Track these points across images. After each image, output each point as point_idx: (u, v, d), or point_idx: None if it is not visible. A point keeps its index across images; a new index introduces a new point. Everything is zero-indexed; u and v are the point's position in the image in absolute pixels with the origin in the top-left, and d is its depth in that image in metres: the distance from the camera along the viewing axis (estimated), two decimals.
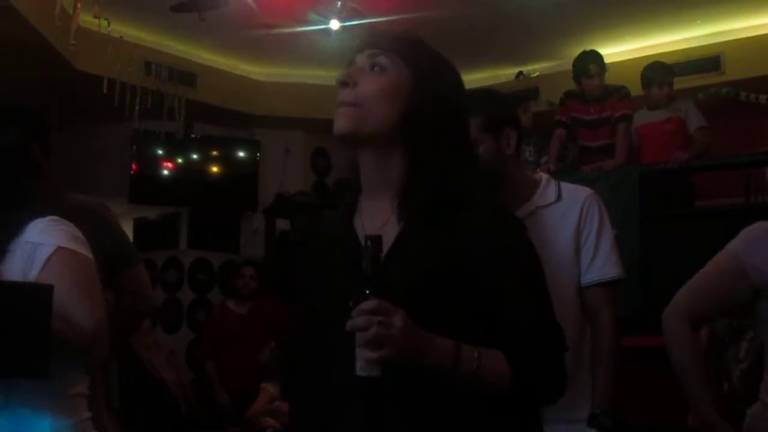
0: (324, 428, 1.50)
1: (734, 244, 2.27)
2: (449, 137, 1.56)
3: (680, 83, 6.05)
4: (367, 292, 1.36)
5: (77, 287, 1.83)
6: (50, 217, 1.92)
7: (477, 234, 1.49)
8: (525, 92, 7.30)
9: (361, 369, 1.35)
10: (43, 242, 1.86)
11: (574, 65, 5.89)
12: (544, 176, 2.56)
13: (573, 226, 2.46)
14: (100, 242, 2.09)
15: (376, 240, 1.39)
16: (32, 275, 1.83)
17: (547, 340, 1.51)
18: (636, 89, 5.86)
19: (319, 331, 1.53)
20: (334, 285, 1.52)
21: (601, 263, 2.45)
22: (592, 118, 5.76)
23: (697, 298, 2.29)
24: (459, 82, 1.64)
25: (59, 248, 1.86)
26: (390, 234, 1.50)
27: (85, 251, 1.92)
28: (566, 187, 2.53)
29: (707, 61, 6.89)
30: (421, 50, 1.61)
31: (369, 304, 1.34)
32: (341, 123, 1.53)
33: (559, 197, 2.48)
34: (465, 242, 1.48)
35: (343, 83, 1.55)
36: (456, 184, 1.55)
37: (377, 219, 1.54)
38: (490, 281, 1.47)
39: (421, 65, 1.57)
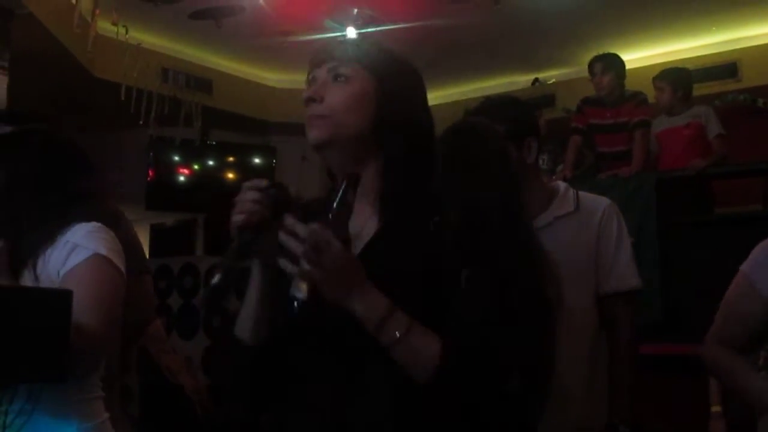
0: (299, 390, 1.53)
1: (745, 264, 2.26)
2: (418, 137, 1.59)
3: (697, 90, 6.03)
4: (331, 219, 1.41)
5: (97, 295, 1.85)
6: (95, 223, 1.95)
7: (447, 232, 1.49)
8: (541, 99, 7.29)
9: (293, 289, 1.39)
10: (83, 245, 1.89)
11: None
12: (562, 185, 2.56)
13: (591, 236, 2.45)
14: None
15: (352, 178, 1.44)
16: (62, 273, 1.87)
17: (487, 340, 1.42)
18: (652, 96, 5.84)
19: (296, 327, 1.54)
20: None
21: (619, 273, 2.46)
22: (609, 122, 5.74)
23: (723, 324, 2.27)
24: (420, 82, 1.66)
25: (96, 254, 1.89)
26: (367, 236, 1.54)
27: (119, 263, 1.95)
28: (585, 197, 2.52)
29: (724, 67, 6.87)
30: (380, 56, 1.63)
31: (314, 226, 1.37)
32: (316, 133, 1.57)
33: (577, 207, 2.47)
34: (440, 240, 1.48)
35: (310, 99, 1.58)
36: (429, 182, 1.56)
37: (357, 220, 1.54)
38: (457, 278, 1.46)
39: (382, 70, 1.59)
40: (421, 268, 1.46)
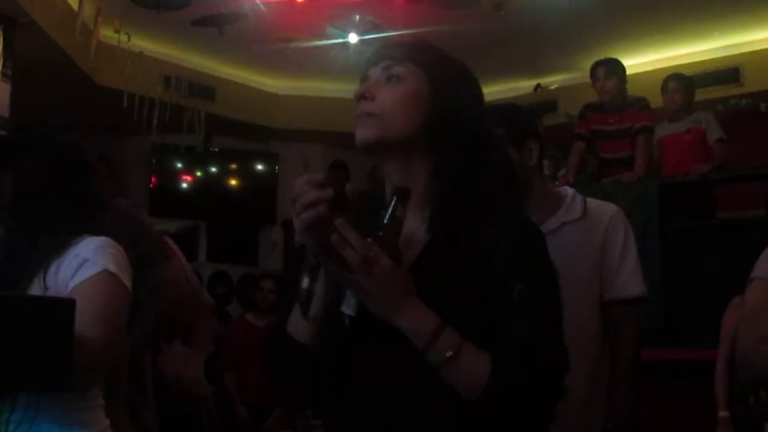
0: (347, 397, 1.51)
1: (759, 271, 2.24)
2: (471, 141, 1.54)
3: (699, 95, 6.03)
4: (381, 234, 1.38)
5: (104, 311, 1.84)
6: (105, 238, 1.94)
7: (501, 245, 1.46)
8: (543, 105, 7.29)
9: (343, 305, 1.39)
10: (93, 260, 1.88)
11: None
12: (569, 191, 2.54)
13: (597, 242, 2.44)
14: (137, 241, 2.12)
15: (402, 192, 1.40)
16: (70, 286, 1.86)
17: (538, 359, 1.41)
18: (655, 101, 5.85)
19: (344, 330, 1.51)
20: None
21: (624, 281, 2.43)
22: (612, 128, 5.75)
23: (758, 323, 2.23)
24: (476, 85, 1.62)
25: (104, 271, 1.88)
26: (418, 243, 1.49)
27: (126, 280, 1.94)
28: (592, 203, 2.51)
29: (726, 72, 6.87)
30: (435, 56, 1.59)
31: (359, 241, 1.35)
32: (364, 132, 1.51)
33: (584, 214, 2.46)
34: (490, 254, 1.45)
35: (362, 97, 1.53)
36: (480, 190, 1.53)
37: (407, 227, 1.50)
38: (504, 290, 1.44)
39: (437, 72, 1.55)
40: (472, 280, 1.44)
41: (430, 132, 1.51)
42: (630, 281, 2.44)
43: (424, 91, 1.53)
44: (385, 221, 1.39)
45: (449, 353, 1.37)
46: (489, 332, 1.41)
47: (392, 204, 1.39)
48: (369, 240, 1.36)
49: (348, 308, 1.39)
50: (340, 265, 1.36)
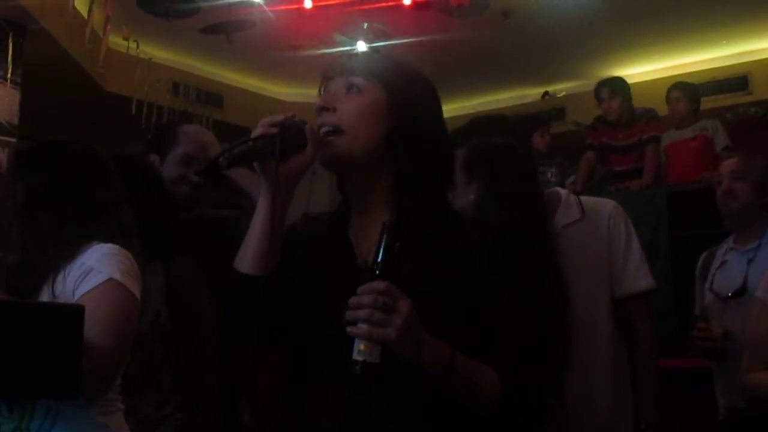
0: (311, 414, 1.51)
1: (760, 291, 2.25)
2: (430, 149, 1.57)
3: (708, 103, 6.02)
4: (377, 272, 1.35)
5: (110, 320, 1.83)
6: (112, 245, 1.94)
7: (469, 248, 1.51)
8: (551, 112, 7.29)
9: (358, 353, 1.32)
10: (98, 269, 1.88)
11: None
12: (562, 192, 2.54)
13: (601, 243, 2.42)
14: None
15: (392, 227, 1.39)
16: (76, 294, 1.86)
17: (533, 362, 1.50)
18: (663, 110, 5.85)
19: (312, 327, 1.53)
20: (329, 291, 1.49)
21: (632, 276, 2.42)
22: (621, 144, 5.78)
23: (752, 356, 2.26)
24: (433, 94, 1.65)
25: (110, 279, 1.87)
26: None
27: (134, 287, 1.92)
28: (588, 201, 2.50)
29: (735, 80, 6.87)
30: (391, 67, 1.62)
31: (378, 284, 1.33)
32: (328, 152, 1.54)
33: (583, 214, 2.45)
34: (458, 256, 1.50)
35: (323, 108, 1.56)
36: (442, 196, 1.59)
37: (371, 233, 1.53)
38: (480, 296, 1.49)
39: (393, 82, 1.58)
40: (436, 281, 1.47)
41: (390, 141, 1.54)
42: (637, 275, 2.42)
43: (382, 102, 1.56)
44: (379, 258, 1.37)
45: (465, 377, 1.41)
46: (446, 326, 1.43)
47: (383, 240, 1.38)
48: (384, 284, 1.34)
49: (360, 355, 1.32)
50: (371, 323, 1.32)
